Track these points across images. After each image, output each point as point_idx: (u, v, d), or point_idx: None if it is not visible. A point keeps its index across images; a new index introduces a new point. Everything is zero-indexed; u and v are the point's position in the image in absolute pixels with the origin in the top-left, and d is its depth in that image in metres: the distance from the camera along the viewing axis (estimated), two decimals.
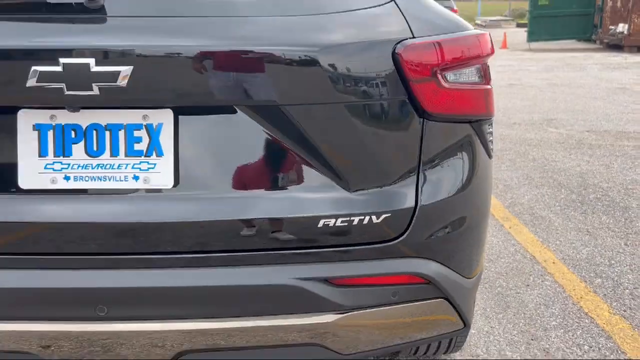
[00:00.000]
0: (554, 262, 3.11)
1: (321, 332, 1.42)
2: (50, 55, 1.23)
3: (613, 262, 3.11)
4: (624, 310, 2.59)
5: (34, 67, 1.23)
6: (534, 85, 9.77)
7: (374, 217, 1.39)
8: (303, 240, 1.38)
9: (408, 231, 1.43)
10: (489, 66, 1.57)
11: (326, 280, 1.39)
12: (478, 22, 27.39)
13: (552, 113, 7.30)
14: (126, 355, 1.42)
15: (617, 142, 5.72)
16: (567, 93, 8.86)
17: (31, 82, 1.23)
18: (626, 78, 10.40)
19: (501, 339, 2.39)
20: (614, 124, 6.53)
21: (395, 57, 1.37)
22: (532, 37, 17.65)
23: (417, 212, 1.43)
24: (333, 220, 1.37)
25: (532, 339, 2.37)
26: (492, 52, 1.54)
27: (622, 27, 15.97)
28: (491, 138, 1.67)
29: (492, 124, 1.64)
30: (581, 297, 2.71)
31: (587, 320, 2.51)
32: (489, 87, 1.56)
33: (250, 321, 1.38)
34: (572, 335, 2.40)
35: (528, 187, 4.43)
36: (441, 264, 1.49)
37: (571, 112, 7.34)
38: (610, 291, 2.77)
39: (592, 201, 4.08)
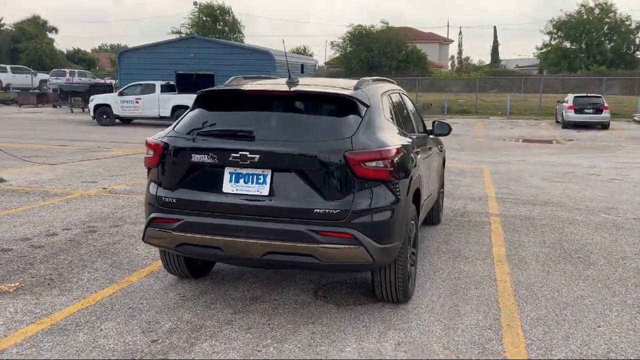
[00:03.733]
0: (503, 281, 5.05)
1: (313, 249, 3.77)
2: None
3: (542, 285, 4.97)
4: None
5: (232, 154, 3.83)
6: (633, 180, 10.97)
7: (335, 210, 3.75)
8: (310, 216, 3.77)
9: (347, 217, 3.75)
10: (391, 161, 3.88)
11: (316, 232, 3.75)
12: (636, 117, 27.46)
13: (619, 203, 8.73)
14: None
15: None
16: None
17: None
18: None
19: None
20: None
21: (344, 156, 3.76)
22: None
23: (350, 210, 3.75)
24: (319, 210, 3.75)
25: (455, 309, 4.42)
26: (391, 155, 3.85)
27: None
28: (398, 188, 3.95)
29: (396, 182, 3.92)
30: (504, 294, 4.67)
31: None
32: (389, 169, 3.85)
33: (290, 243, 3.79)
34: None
35: (535, 247, 6.25)
36: (361, 232, 3.77)
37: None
38: (525, 296, 4.69)
39: (571, 256, 5.84)
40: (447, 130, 6.49)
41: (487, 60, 71.74)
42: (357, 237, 3.78)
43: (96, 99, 22.47)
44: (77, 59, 62.24)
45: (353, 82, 4.57)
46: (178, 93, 22.27)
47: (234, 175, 3.92)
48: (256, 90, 4.35)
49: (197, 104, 4.35)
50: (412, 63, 50.43)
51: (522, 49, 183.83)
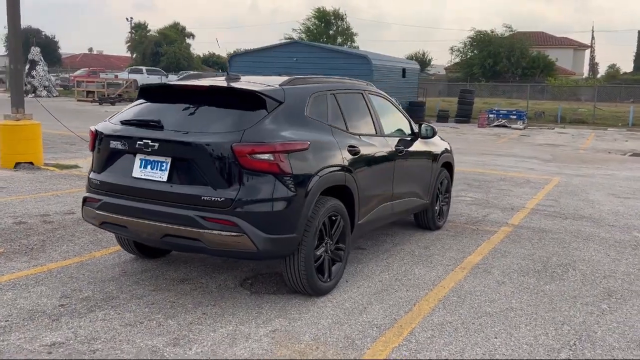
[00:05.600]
0: (444, 287, 4.94)
1: (200, 234, 4.03)
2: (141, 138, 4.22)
3: (480, 295, 4.80)
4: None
5: (138, 141, 4.21)
6: None
7: (220, 198, 3.98)
8: (199, 203, 4.05)
9: (231, 205, 3.97)
10: (284, 155, 4.03)
11: (203, 218, 4.02)
12: None
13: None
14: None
15: None
16: None
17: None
18: None
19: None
20: None
21: (231, 148, 3.98)
22: None
23: (235, 199, 3.97)
24: (206, 198, 4.01)
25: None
26: (282, 149, 4.01)
27: None
28: (292, 182, 4.09)
29: (289, 176, 4.07)
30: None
31: None
32: (280, 162, 4.01)
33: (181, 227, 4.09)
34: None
35: (516, 259, 5.96)
36: (245, 221, 3.97)
37: None
38: (451, 302, 4.58)
39: (547, 270, 5.51)
40: (431, 133, 6.42)
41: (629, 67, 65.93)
42: (241, 225, 3.98)
43: None
44: (212, 62, 66.65)
45: (283, 79, 4.77)
46: None
47: (143, 162, 4.30)
48: (178, 85, 4.69)
49: (138, 96, 4.81)
50: (538, 69, 47.92)
51: None
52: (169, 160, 4.20)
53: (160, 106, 4.55)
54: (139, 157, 4.33)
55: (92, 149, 4.66)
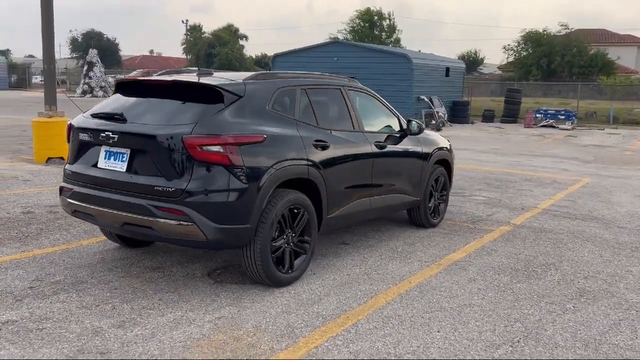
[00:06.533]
0: (410, 282, 4.94)
1: (153, 222, 4.20)
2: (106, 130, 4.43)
3: (443, 290, 4.77)
4: None
5: (101, 134, 4.43)
6: None
7: (171, 188, 4.14)
8: (152, 192, 4.21)
9: (181, 195, 4.12)
10: (234, 147, 4.15)
11: (155, 207, 4.19)
12: None
13: None
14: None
15: None
16: None
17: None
18: None
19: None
20: None
21: (182, 140, 4.13)
22: None
23: (185, 189, 4.11)
24: (159, 188, 4.17)
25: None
26: (233, 141, 4.12)
27: None
28: (244, 174, 4.20)
29: (240, 168, 4.18)
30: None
31: None
32: (230, 154, 4.13)
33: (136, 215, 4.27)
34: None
35: (500, 258, 5.86)
36: (195, 210, 4.11)
37: None
38: (410, 296, 4.58)
39: (527, 269, 5.40)
40: (417, 129, 6.39)
41: None
42: (190, 215, 4.12)
43: None
44: (264, 63, 67.57)
45: (249, 74, 4.89)
46: None
47: (107, 153, 4.51)
48: (146, 80, 4.89)
49: (115, 90, 5.04)
50: (596, 67, 46.10)
51: None
52: (128, 151, 4.40)
53: (130, 100, 4.75)
54: (103, 148, 4.55)
55: (68, 141, 4.92)
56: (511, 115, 27.99)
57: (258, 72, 4.99)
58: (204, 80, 4.73)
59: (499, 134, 22.80)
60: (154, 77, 4.99)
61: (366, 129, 5.80)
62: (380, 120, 6.25)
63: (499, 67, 55.52)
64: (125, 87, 5.01)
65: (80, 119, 4.82)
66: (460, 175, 11.28)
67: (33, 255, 5.30)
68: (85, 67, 39.76)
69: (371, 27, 49.49)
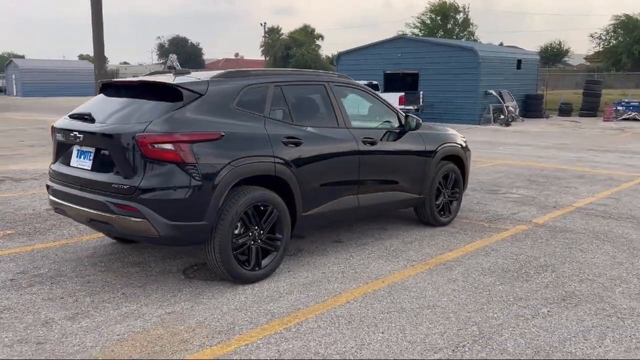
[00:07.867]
0: (383, 281, 4.79)
1: (110, 218, 4.33)
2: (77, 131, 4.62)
3: (416, 289, 4.59)
4: None
5: (70, 134, 4.62)
6: None
7: (125, 186, 4.25)
8: (110, 190, 4.34)
9: (134, 192, 4.22)
10: (186, 145, 4.19)
11: (112, 204, 4.31)
12: None
13: None
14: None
15: None
16: None
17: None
18: None
19: None
20: None
21: (134, 138, 4.22)
22: None
23: (138, 187, 4.21)
24: (115, 185, 4.29)
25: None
26: (185, 139, 4.17)
27: None
28: (197, 171, 4.24)
29: (193, 166, 4.22)
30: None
31: None
32: (182, 152, 4.18)
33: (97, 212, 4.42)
34: None
35: (497, 258, 5.55)
36: (147, 207, 4.19)
37: None
38: (378, 295, 4.44)
39: (520, 271, 5.09)
40: (414, 124, 6.17)
41: None
42: (142, 211, 4.21)
43: None
44: None
45: (217, 73, 4.93)
46: (382, 92, 23.12)
47: (78, 152, 4.70)
48: (117, 81, 5.04)
49: (100, 91, 5.24)
50: None
51: None
52: (92, 150, 4.57)
53: (107, 100, 4.93)
54: (75, 148, 4.75)
55: (53, 141, 5.18)
56: (590, 108, 26.46)
57: (229, 70, 5.01)
58: (177, 79, 4.81)
59: (573, 128, 21.61)
60: (129, 79, 5.14)
61: (355, 124, 5.67)
62: (374, 116, 6.10)
63: (586, 58, 52.53)
64: (106, 88, 5.19)
65: (61, 120, 5.06)
66: (505, 172, 10.83)
67: (32, 249, 5.61)
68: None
69: (443, 21, 48.22)
